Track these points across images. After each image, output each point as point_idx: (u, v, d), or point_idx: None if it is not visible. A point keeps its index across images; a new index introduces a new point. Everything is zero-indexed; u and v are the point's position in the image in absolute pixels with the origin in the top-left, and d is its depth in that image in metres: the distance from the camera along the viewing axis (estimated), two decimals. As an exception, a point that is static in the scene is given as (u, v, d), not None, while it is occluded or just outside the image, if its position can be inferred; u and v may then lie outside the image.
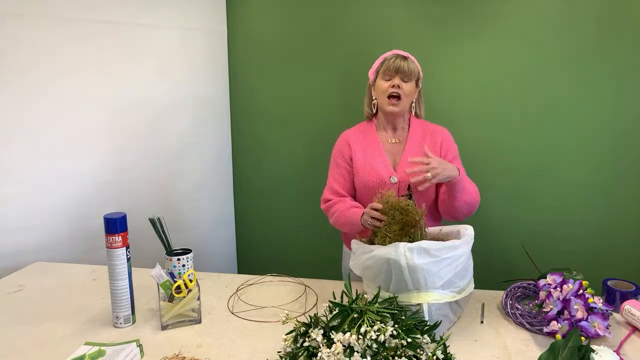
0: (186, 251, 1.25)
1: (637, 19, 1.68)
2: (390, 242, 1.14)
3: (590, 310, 1.09)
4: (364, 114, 1.58)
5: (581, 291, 1.12)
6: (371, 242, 1.23)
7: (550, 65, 1.77)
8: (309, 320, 0.96)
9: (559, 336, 1.03)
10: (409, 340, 0.86)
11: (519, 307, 1.21)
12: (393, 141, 1.49)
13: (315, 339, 0.89)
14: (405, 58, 1.44)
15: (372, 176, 1.44)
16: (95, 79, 1.73)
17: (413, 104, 1.51)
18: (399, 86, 1.41)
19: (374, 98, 1.51)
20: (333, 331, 0.89)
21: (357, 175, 1.47)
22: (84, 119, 1.72)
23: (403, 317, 0.93)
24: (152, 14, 1.82)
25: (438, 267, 1.07)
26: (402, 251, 1.06)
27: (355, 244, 1.25)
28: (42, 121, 1.65)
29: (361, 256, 1.18)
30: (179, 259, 1.22)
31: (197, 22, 1.95)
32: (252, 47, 2.07)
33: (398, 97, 1.42)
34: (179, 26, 1.90)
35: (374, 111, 1.54)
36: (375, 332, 0.86)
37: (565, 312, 1.10)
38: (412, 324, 0.91)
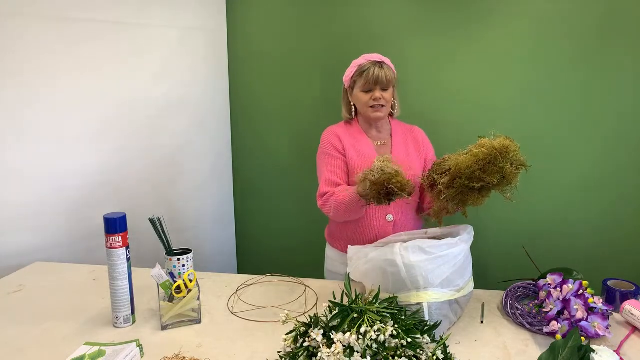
0: (186, 251, 1.26)
1: (638, 19, 1.68)
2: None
3: (590, 310, 1.09)
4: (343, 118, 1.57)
5: (581, 291, 1.12)
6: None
7: (549, 67, 1.77)
8: (309, 320, 0.96)
9: (559, 336, 1.03)
10: (409, 340, 0.87)
11: (519, 307, 1.21)
12: (379, 143, 1.51)
13: (315, 339, 0.89)
14: (381, 65, 1.42)
15: None
16: (95, 78, 1.73)
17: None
18: (380, 97, 1.43)
19: (352, 103, 1.51)
20: (333, 331, 0.89)
21: (352, 172, 1.45)
22: (84, 119, 1.72)
23: (403, 317, 0.93)
24: (152, 14, 1.82)
25: (435, 264, 1.08)
26: (397, 251, 1.08)
27: (351, 250, 1.25)
28: (42, 121, 1.65)
29: (357, 262, 1.18)
30: (179, 259, 1.22)
31: (197, 22, 1.95)
32: (252, 47, 2.07)
33: (381, 105, 1.44)
34: (179, 26, 1.90)
35: (354, 115, 1.54)
36: (375, 332, 0.86)
37: (565, 312, 1.10)
38: (412, 324, 0.91)
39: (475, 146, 1.14)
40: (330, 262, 1.61)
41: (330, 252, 1.61)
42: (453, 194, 1.15)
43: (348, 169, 1.46)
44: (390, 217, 1.44)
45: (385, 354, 0.85)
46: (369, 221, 1.45)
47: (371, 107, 1.44)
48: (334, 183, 1.43)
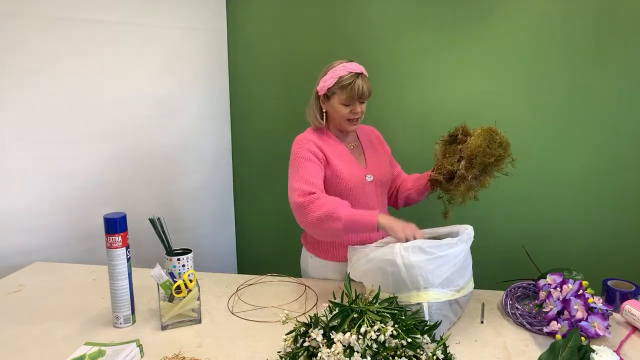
0: (186, 251, 1.26)
1: (638, 19, 1.68)
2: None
3: (590, 310, 1.09)
4: (311, 123, 1.49)
5: (581, 291, 1.12)
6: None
7: (550, 66, 1.77)
8: (309, 320, 0.96)
9: (559, 336, 1.03)
10: (409, 340, 0.87)
11: (519, 307, 1.21)
12: (351, 146, 1.49)
13: (315, 339, 0.89)
14: (362, 77, 1.37)
15: (353, 178, 1.40)
16: (95, 78, 1.72)
17: None
18: (360, 110, 1.40)
19: (324, 110, 1.45)
20: (333, 331, 0.89)
21: (339, 179, 1.40)
22: (84, 119, 1.72)
23: (403, 317, 0.93)
24: (152, 14, 1.82)
25: (435, 264, 1.08)
26: (397, 251, 1.09)
27: (351, 250, 1.25)
28: (42, 121, 1.65)
29: (357, 262, 1.18)
30: (179, 259, 1.22)
31: (197, 22, 1.95)
32: (252, 47, 2.07)
33: (358, 118, 1.42)
34: (179, 26, 1.90)
35: (325, 120, 1.47)
36: (375, 332, 0.86)
37: (565, 312, 1.10)
38: (412, 324, 0.91)
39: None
40: (304, 260, 1.55)
41: (304, 252, 1.54)
42: (476, 172, 1.33)
43: (329, 176, 1.40)
44: None
45: (385, 354, 0.85)
46: None
47: (348, 119, 1.41)
48: (317, 186, 1.34)
